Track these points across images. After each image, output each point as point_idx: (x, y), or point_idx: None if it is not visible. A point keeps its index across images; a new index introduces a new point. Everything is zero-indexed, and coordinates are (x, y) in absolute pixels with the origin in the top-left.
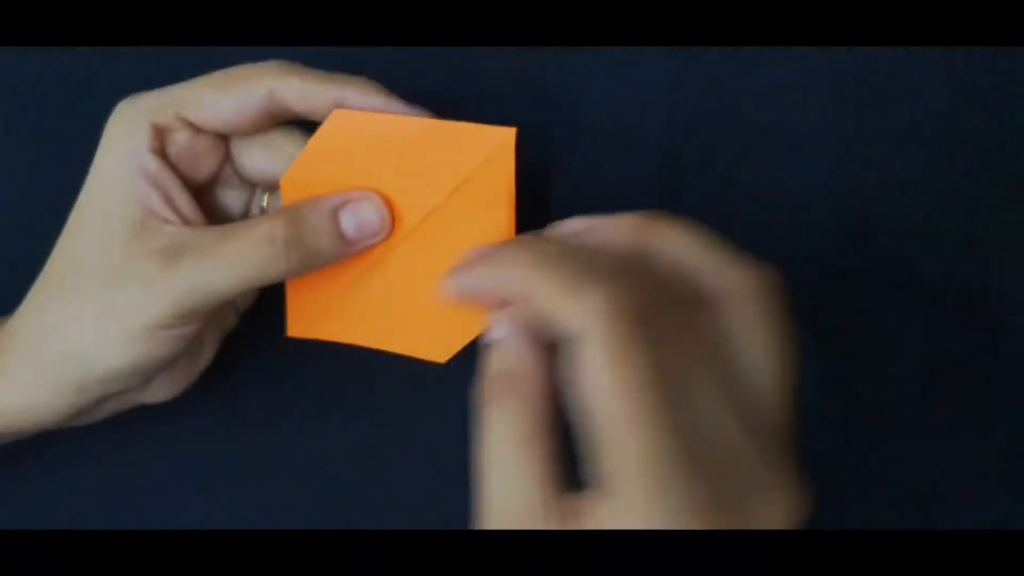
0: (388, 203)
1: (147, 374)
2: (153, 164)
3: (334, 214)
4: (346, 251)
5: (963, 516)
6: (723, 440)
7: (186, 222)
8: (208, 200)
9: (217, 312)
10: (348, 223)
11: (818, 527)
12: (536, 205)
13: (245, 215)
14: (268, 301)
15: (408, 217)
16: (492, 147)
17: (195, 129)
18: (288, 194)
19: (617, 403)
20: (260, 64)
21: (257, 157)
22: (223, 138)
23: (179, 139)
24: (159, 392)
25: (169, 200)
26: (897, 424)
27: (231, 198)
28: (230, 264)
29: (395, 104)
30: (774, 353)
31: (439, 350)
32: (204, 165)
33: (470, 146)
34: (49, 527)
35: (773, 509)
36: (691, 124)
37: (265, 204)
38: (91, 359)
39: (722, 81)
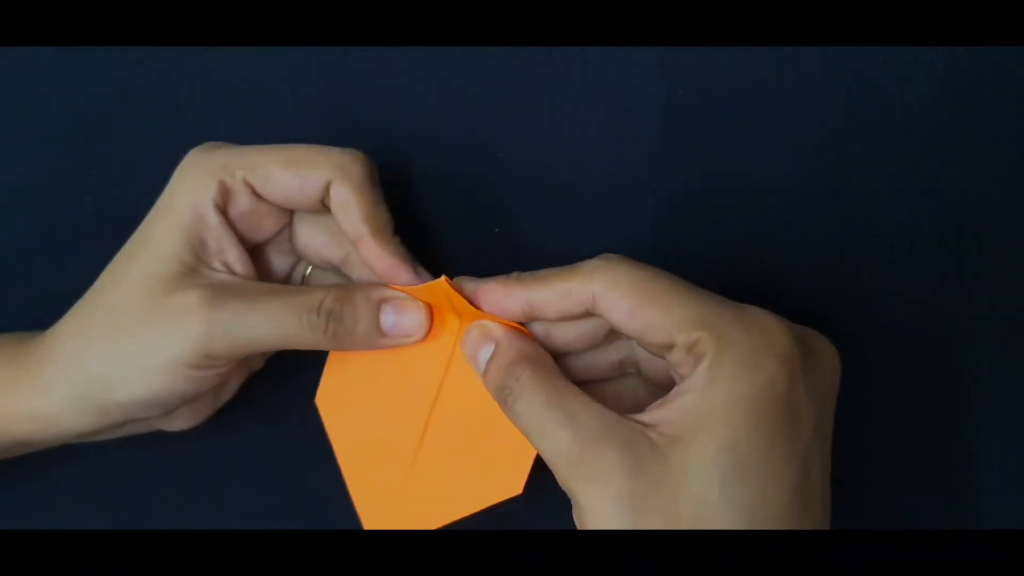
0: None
1: (168, 407)
2: (214, 219)
3: (378, 306)
4: (379, 344)
5: (964, 516)
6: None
7: (236, 274)
8: (256, 257)
9: (246, 359)
10: (388, 319)
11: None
12: (533, 205)
13: (287, 279)
14: None
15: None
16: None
17: (258, 196)
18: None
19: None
20: (334, 152)
21: (314, 236)
22: (287, 210)
23: (242, 203)
24: (179, 422)
25: (222, 254)
26: (897, 424)
27: (278, 260)
28: (271, 319)
29: (400, 267)
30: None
31: (512, 484)
32: (262, 229)
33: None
34: (49, 527)
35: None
36: (685, 124)
37: (308, 273)
38: (116, 385)
39: (716, 81)
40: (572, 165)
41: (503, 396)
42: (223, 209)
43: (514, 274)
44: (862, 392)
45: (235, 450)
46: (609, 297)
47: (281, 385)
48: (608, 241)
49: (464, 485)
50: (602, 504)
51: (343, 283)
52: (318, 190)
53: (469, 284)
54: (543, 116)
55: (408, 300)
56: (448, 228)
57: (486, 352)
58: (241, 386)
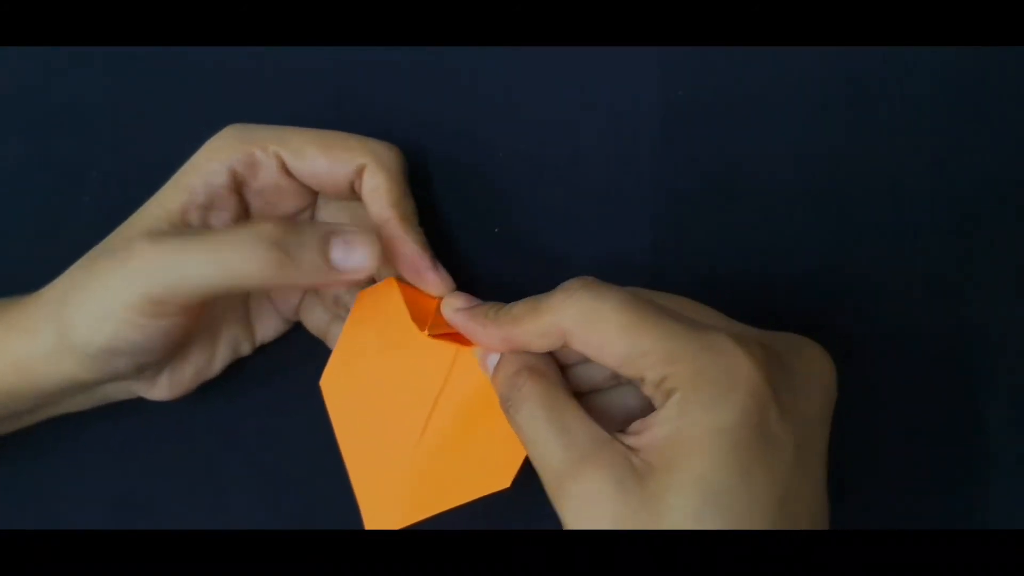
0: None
1: (133, 359)
2: (220, 179)
3: (326, 239)
4: (329, 278)
5: (969, 516)
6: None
7: None
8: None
9: (210, 317)
10: (337, 253)
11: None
12: (533, 205)
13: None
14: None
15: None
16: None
17: (287, 173)
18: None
19: None
20: (369, 140)
21: (336, 219)
22: (311, 193)
23: (269, 175)
24: (159, 390)
25: (205, 214)
26: (895, 424)
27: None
28: (211, 251)
29: (420, 255)
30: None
31: (501, 478)
32: (281, 207)
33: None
34: (49, 527)
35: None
36: (685, 124)
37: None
38: (79, 328)
39: (716, 81)
40: (572, 165)
41: (506, 405)
42: (241, 180)
43: (490, 309)
44: (862, 392)
45: (236, 450)
46: (579, 334)
47: (281, 385)
48: (608, 241)
49: (457, 476)
50: (588, 522)
51: (288, 217)
52: (349, 174)
53: (449, 311)
54: (543, 116)
55: (359, 234)
56: (448, 228)
57: (493, 358)
58: (225, 366)
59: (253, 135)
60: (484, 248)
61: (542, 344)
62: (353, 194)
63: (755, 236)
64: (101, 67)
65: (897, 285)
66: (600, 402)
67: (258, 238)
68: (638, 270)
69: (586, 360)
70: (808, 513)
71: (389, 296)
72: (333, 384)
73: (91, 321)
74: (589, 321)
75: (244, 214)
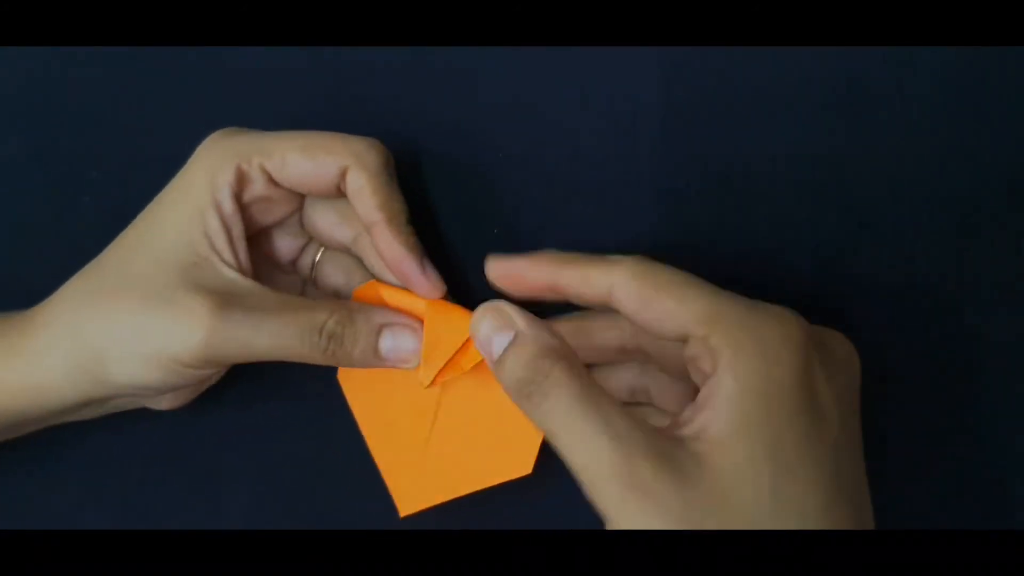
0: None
1: (157, 393)
2: (230, 206)
3: (378, 330)
4: (374, 365)
5: (971, 516)
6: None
7: (240, 267)
8: (263, 239)
9: None
10: (386, 344)
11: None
12: (532, 206)
13: (293, 263)
14: None
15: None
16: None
17: (273, 182)
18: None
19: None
20: (351, 140)
21: (325, 217)
22: (299, 195)
23: (257, 188)
24: (165, 403)
25: (232, 243)
26: (896, 425)
27: (286, 243)
28: (273, 335)
29: (407, 257)
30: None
31: (521, 464)
32: (273, 213)
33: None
34: (49, 527)
35: None
36: (685, 124)
37: (318, 258)
38: (112, 364)
39: (716, 81)
40: (572, 165)
41: (526, 391)
42: (238, 196)
43: (545, 251)
44: (863, 392)
45: (236, 450)
46: (627, 288)
47: (282, 385)
48: (608, 241)
49: (478, 460)
50: (650, 519)
51: (345, 303)
52: (334, 176)
53: (493, 260)
54: (543, 116)
55: (406, 327)
56: (447, 229)
57: (502, 340)
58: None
59: (237, 148)
60: (484, 249)
61: (585, 293)
62: (340, 194)
63: (755, 236)
64: (101, 67)
65: (897, 285)
66: (599, 377)
67: (316, 330)
68: None
69: (596, 363)
70: (853, 489)
71: (375, 297)
72: (349, 375)
73: (135, 367)
74: (641, 278)
75: (250, 224)
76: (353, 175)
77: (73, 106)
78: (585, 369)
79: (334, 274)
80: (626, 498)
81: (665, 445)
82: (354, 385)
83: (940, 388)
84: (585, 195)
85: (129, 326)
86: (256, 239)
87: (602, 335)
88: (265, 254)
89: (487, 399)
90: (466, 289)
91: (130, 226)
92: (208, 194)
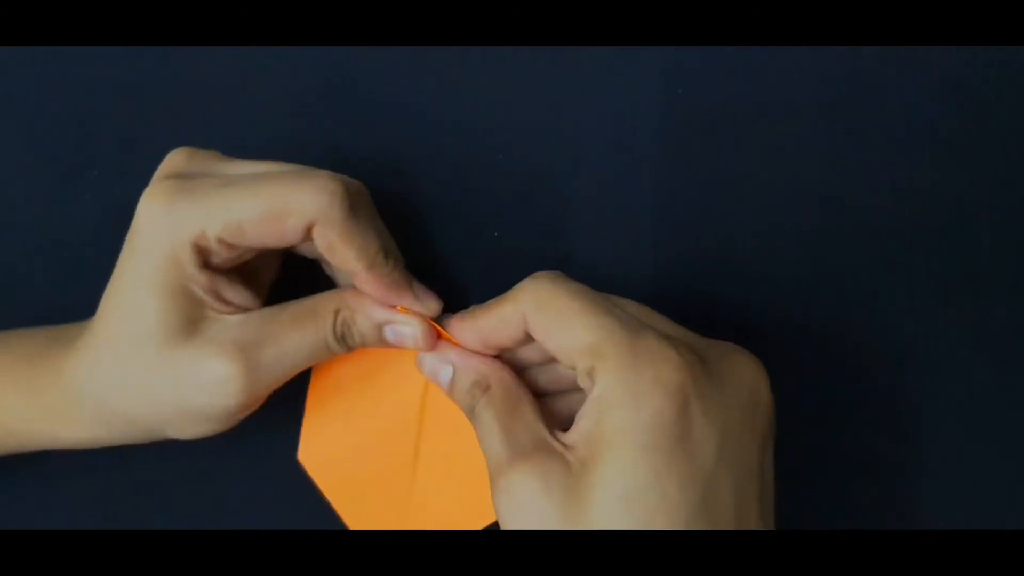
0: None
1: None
2: (203, 277)
3: (379, 329)
4: (384, 347)
5: (974, 517)
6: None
7: (242, 308)
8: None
9: None
10: (390, 335)
11: (811, 526)
12: (532, 208)
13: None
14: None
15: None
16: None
17: (237, 248)
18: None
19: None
20: (305, 190)
21: (313, 253)
22: None
23: (222, 254)
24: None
25: (221, 296)
26: (896, 424)
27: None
28: (297, 353)
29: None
30: None
31: (477, 518)
32: (252, 253)
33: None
34: (49, 527)
35: None
36: (685, 124)
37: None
38: (161, 428)
39: (716, 81)
40: (572, 166)
41: (468, 415)
42: (206, 263)
43: (471, 308)
44: (863, 393)
45: (236, 449)
46: (533, 319)
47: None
48: (608, 243)
49: (463, 509)
50: (513, 520)
51: (348, 295)
52: (298, 233)
53: (451, 321)
54: (543, 116)
55: (404, 324)
56: (447, 231)
57: (446, 373)
58: None
59: (185, 223)
60: (484, 252)
61: (509, 335)
62: (311, 239)
63: (756, 236)
64: (101, 67)
65: (897, 285)
66: (565, 403)
67: (327, 334)
68: (639, 272)
69: (539, 363)
70: (733, 515)
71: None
72: (311, 454)
73: (186, 428)
74: (540, 307)
75: (232, 267)
76: (320, 232)
77: (73, 106)
78: (511, 388)
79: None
80: (500, 497)
81: (547, 454)
82: (319, 463)
83: (941, 388)
84: (586, 196)
85: (170, 405)
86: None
87: (560, 370)
88: (261, 256)
89: (462, 439)
90: (465, 293)
91: (107, 298)
92: (175, 273)
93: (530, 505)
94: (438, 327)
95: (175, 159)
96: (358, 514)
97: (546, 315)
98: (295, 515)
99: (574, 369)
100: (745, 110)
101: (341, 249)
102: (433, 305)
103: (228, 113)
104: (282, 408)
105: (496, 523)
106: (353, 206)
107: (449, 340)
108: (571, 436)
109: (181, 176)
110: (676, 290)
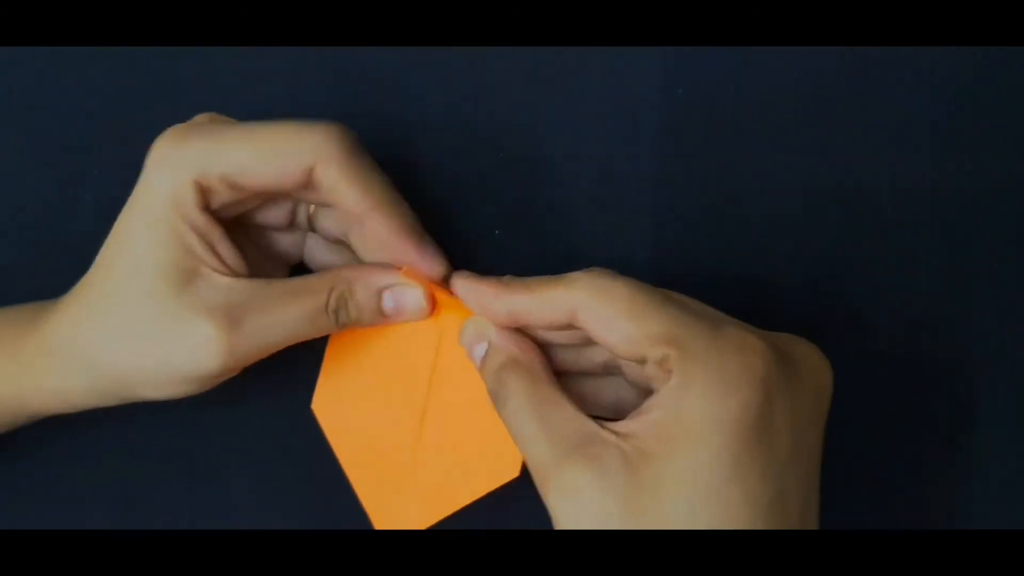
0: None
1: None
2: (201, 220)
3: (379, 293)
4: (385, 323)
5: (959, 516)
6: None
7: (233, 270)
8: (248, 221)
9: None
10: (388, 303)
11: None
12: (534, 206)
13: (291, 223)
14: None
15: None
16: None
17: (240, 189)
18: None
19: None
20: (306, 132)
21: (316, 219)
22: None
23: (222, 196)
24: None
25: (216, 251)
26: (897, 425)
27: (273, 214)
28: (286, 326)
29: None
30: None
31: (509, 467)
32: (249, 204)
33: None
34: (49, 527)
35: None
36: (685, 124)
37: (312, 211)
38: (140, 386)
39: (716, 81)
40: (572, 165)
41: (494, 399)
42: (206, 207)
43: (505, 277)
44: (863, 393)
45: (236, 449)
46: (589, 308)
47: (282, 386)
48: (609, 242)
49: (465, 473)
50: (572, 520)
51: (344, 270)
52: (300, 175)
53: (460, 283)
54: (543, 116)
55: (406, 286)
56: (449, 230)
57: (480, 349)
58: None
59: (190, 161)
60: (485, 250)
61: (549, 317)
62: (314, 185)
63: (756, 236)
64: (101, 67)
65: (898, 285)
66: (590, 387)
67: (320, 310)
68: (640, 271)
69: (582, 345)
70: (798, 513)
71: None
72: (324, 405)
73: (162, 388)
74: (600, 297)
75: (229, 219)
76: (322, 172)
77: (73, 106)
78: (542, 373)
79: (333, 225)
80: (556, 496)
81: (600, 449)
82: (330, 415)
83: (941, 388)
84: (586, 196)
85: (151, 358)
86: (243, 221)
87: (589, 355)
88: (257, 226)
89: (471, 407)
90: None
91: (107, 246)
92: (175, 213)
93: (589, 503)
94: (445, 290)
95: (196, 118)
96: (361, 470)
97: (607, 304)
98: (295, 515)
99: (638, 361)
100: (745, 110)
101: (344, 188)
102: (439, 268)
103: (228, 113)
104: (282, 407)
105: (493, 522)
106: (354, 147)
107: (456, 303)
108: (630, 425)
109: (194, 124)
110: (676, 289)
